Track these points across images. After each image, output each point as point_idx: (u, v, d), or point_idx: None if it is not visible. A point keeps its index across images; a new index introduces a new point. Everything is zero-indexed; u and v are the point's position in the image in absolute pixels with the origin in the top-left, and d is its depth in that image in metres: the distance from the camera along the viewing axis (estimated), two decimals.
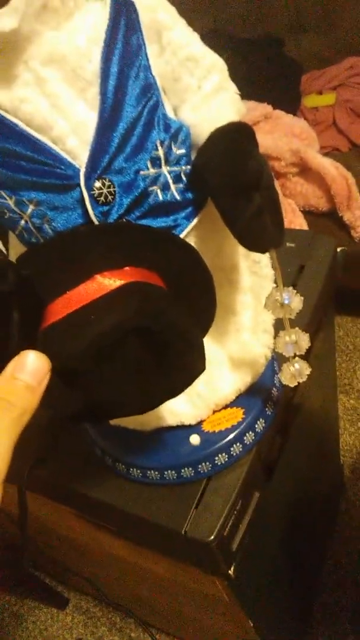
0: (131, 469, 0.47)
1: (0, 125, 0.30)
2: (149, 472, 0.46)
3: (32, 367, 0.26)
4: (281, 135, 1.11)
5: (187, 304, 0.34)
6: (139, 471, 0.47)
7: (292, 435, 0.57)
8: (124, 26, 0.31)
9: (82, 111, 0.31)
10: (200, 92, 0.35)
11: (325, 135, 1.20)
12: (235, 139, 0.33)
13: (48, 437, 0.53)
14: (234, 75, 0.39)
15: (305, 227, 1.10)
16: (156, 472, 0.46)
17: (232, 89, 0.37)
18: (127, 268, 0.32)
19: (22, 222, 0.34)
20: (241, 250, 0.42)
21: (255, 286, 0.44)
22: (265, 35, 1.33)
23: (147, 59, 0.32)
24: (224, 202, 0.33)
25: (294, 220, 1.10)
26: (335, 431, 0.96)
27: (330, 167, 1.08)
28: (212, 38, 1.27)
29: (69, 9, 0.30)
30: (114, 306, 0.30)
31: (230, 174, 0.33)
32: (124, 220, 0.33)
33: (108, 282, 0.31)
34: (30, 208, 0.33)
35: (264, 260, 0.43)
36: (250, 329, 0.44)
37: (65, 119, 0.31)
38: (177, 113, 0.36)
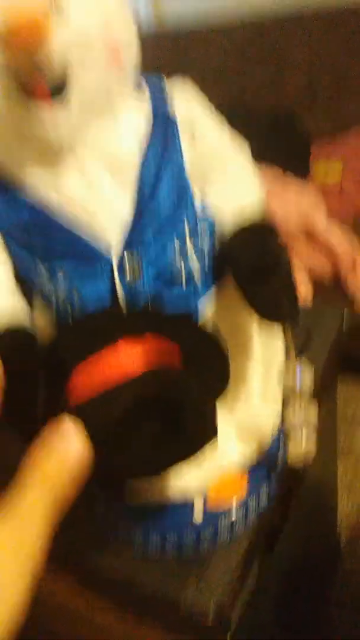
0: (132, 532, 0.46)
1: (44, 201, 0.33)
2: (150, 546, 0.46)
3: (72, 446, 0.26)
4: (290, 199, 1.15)
5: (202, 376, 0.35)
6: (139, 535, 0.46)
7: (293, 505, 0.57)
8: (162, 122, 0.34)
9: (119, 194, 0.33)
10: (225, 176, 0.38)
11: (332, 202, 1.25)
12: (259, 226, 0.36)
13: None
14: (248, 144, 0.42)
15: (309, 287, 1.13)
16: (157, 545, 0.46)
17: (254, 172, 0.39)
18: (148, 336, 0.33)
19: (51, 288, 0.35)
20: (254, 321, 0.43)
21: (266, 356, 0.45)
22: (277, 108, 1.41)
23: (181, 151, 0.35)
24: (244, 285, 0.35)
25: (298, 279, 1.12)
26: (334, 500, 0.95)
27: (336, 232, 1.11)
28: (228, 109, 1.35)
29: (116, 108, 0.33)
30: (136, 385, 0.31)
31: (253, 261, 0.35)
32: (147, 296, 0.35)
33: (131, 350, 0.32)
34: (61, 277, 0.35)
35: (276, 331, 0.45)
36: (260, 398, 0.45)
37: (104, 206, 0.33)
38: (202, 193, 0.38)
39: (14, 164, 0.33)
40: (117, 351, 0.32)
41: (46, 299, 0.36)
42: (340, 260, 1.10)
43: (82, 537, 0.49)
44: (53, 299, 0.36)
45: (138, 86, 0.35)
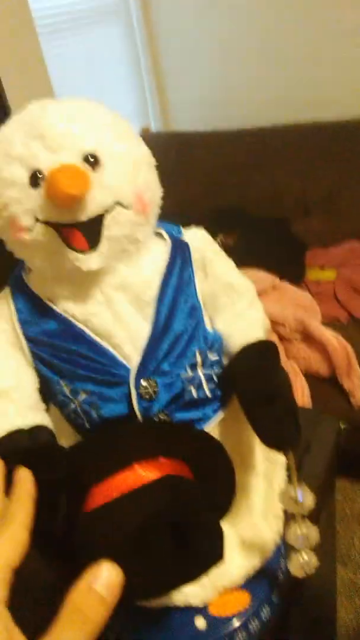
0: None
1: (73, 331, 0.37)
2: None
3: (107, 580, 0.26)
4: (287, 305, 1.21)
5: (211, 490, 0.38)
6: None
7: (293, 613, 0.56)
8: (179, 263, 0.39)
9: (138, 324, 0.38)
10: (234, 309, 0.42)
11: (326, 307, 1.31)
12: (264, 356, 0.40)
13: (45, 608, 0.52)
14: (247, 249, 0.46)
15: (306, 389, 1.16)
16: None
17: (259, 307, 0.44)
18: (161, 459, 0.36)
19: (72, 405, 0.39)
20: (258, 438, 0.46)
21: (269, 472, 0.47)
22: (274, 216, 1.51)
23: (195, 288, 0.40)
24: (251, 408, 0.38)
25: (296, 382, 1.16)
26: (332, 605, 0.92)
27: (331, 338, 1.16)
28: (229, 216, 1.45)
29: (140, 250, 0.38)
30: (149, 500, 0.33)
31: (259, 386, 0.38)
32: (160, 418, 0.38)
33: (144, 473, 0.35)
34: (83, 396, 0.38)
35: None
36: (262, 512, 0.47)
37: (125, 330, 0.37)
38: (212, 322, 0.42)
39: (47, 285, 0.38)
40: (132, 473, 0.35)
41: (65, 410, 0.39)
42: (334, 362, 1.15)
43: None
44: (72, 414, 0.39)
45: (158, 231, 0.40)
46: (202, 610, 0.46)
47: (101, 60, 1.45)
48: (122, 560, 0.33)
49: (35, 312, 0.38)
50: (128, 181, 0.35)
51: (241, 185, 1.57)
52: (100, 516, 0.33)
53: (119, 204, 0.35)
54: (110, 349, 0.37)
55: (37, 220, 0.34)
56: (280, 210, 1.51)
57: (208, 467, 0.37)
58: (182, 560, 0.35)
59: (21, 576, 0.40)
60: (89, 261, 0.34)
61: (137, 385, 0.37)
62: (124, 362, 0.37)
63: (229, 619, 0.46)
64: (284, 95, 1.55)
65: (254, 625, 0.46)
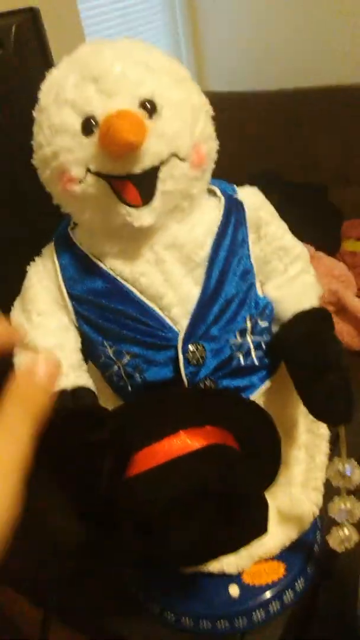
0: (165, 612, 0.46)
1: (120, 291, 0.35)
2: (183, 618, 0.46)
3: (46, 368, 0.27)
4: (322, 275, 1.17)
5: (257, 462, 0.37)
6: (172, 615, 0.46)
7: (323, 586, 0.56)
8: (233, 222, 0.37)
9: (188, 286, 0.36)
10: (286, 274, 0.40)
11: None
12: (317, 325, 0.38)
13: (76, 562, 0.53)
14: (282, 216, 0.44)
15: None
16: (190, 620, 0.45)
17: (312, 272, 0.42)
18: (207, 427, 0.35)
19: (115, 368, 0.37)
20: (302, 408, 0.45)
21: (310, 444, 0.46)
22: (312, 182, 1.46)
23: (249, 250, 0.37)
24: (301, 380, 0.37)
25: None
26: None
27: None
28: (264, 180, 1.40)
29: (193, 207, 0.36)
30: (197, 468, 0.32)
31: (310, 357, 0.37)
32: (206, 384, 0.36)
33: (191, 441, 0.34)
34: (127, 358, 0.37)
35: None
36: (301, 484, 0.46)
37: (174, 291, 0.35)
38: (263, 287, 0.40)
39: (94, 242, 0.36)
40: (178, 439, 0.34)
41: (107, 372, 0.38)
42: None
43: (109, 606, 0.49)
44: (114, 376, 0.38)
45: (211, 188, 0.38)
46: (237, 578, 0.46)
47: (137, 21, 1.40)
48: (164, 526, 0.33)
49: (81, 269, 0.36)
50: (186, 131, 0.33)
51: (278, 150, 1.51)
52: (144, 481, 0.32)
53: (175, 155, 0.33)
54: (158, 311, 0.35)
55: (88, 171, 0.32)
56: (318, 178, 1.46)
57: (255, 438, 0.36)
58: (225, 530, 0.34)
59: (50, 531, 0.40)
60: (142, 217, 0.32)
61: (185, 349, 0.35)
62: (172, 325, 0.36)
63: (262, 589, 0.45)
64: (326, 55, 1.47)
65: (288, 595, 0.46)
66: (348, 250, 1.32)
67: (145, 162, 0.31)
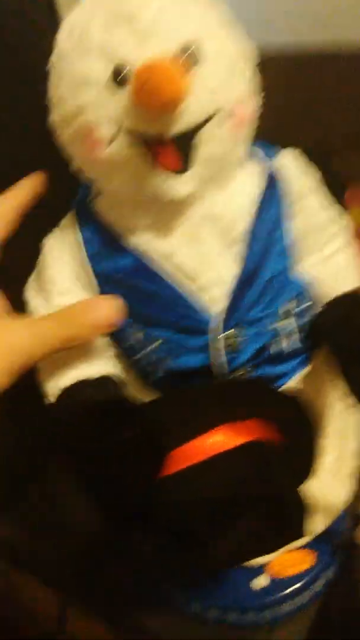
0: (191, 603, 0.44)
1: (150, 269, 0.31)
2: (209, 609, 0.44)
3: (107, 313, 0.30)
4: None
5: (295, 457, 0.34)
6: (198, 606, 0.44)
7: (343, 575, 0.55)
8: (276, 191, 0.33)
9: (226, 264, 0.32)
10: (322, 253, 0.36)
11: None
12: (356, 307, 0.34)
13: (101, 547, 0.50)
14: None
15: None
16: (217, 611, 0.43)
17: (351, 251, 0.38)
18: (248, 421, 0.32)
19: (144, 352, 0.34)
20: (335, 393, 0.42)
21: (344, 430, 0.43)
22: (315, 144, 1.40)
23: (290, 223, 0.33)
24: (345, 364, 0.34)
25: None
26: None
27: None
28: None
29: (234, 173, 0.31)
30: (236, 466, 0.29)
31: (355, 341, 0.33)
32: (245, 372, 0.33)
33: (230, 436, 0.31)
34: (157, 343, 0.33)
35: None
36: (333, 471, 0.43)
37: (211, 270, 0.31)
38: (301, 264, 0.37)
39: (122, 214, 0.32)
40: (217, 435, 0.31)
41: (132, 358, 0.35)
42: None
43: (130, 596, 0.47)
44: (141, 362, 0.35)
45: (252, 154, 0.34)
46: (265, 569, 0.44)
47: None
48: (201, 529, 0.30)
49: (107, 244, 0.32)
50: (232, 83, 0.28)
51: (277, 110, 1.44)
52: (180, 481, 0.29)
53: (218, 112, 0.28)
54: (194, 292, 0.32)
55: (119, 130, 0.27)
56: (322, 142, 1.41)
57: (293, 432, 0.33)
58: (264, 533, 0.31)
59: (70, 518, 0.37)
60: (180, 185, 0.28)
61: (222, 335, 0.32)
62: (209, 307, 0.32)
63: (292, 579, 0.43)
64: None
65: (318, 585, 0.44)
66: (352, 220, 1.28)
67: (185, 121, 0.27)
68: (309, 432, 0.35)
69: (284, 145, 0.36)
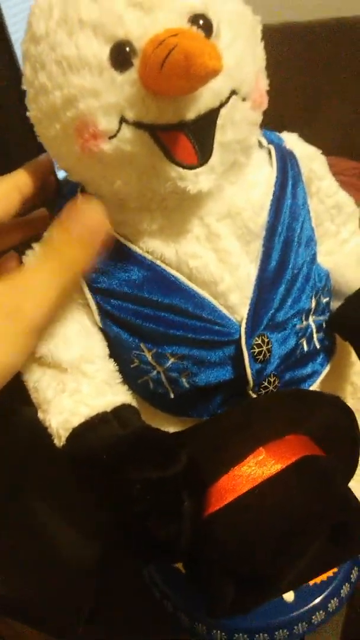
0: (214, 631, 0.41)
1: (163, 280, 0.27)
2: (236, 635, 0.41)
3: (88, 222, 0.24)
4: None
5: (340, 459, 0.31)
6: (224, 634, 0.41)
7: None
8: (291, 178, 0.29)
9: (245, 264, 0.28)
10: (338, 237, 0.34)
11: None
12: None
13: (98, 582, 0.46)
14: None
15: None
16: (245, 636, 0.40)
17: None
18: (288, 437, 0.29)
19: (154, 373, 0.30)
20: (349, 388, 0.40)
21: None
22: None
23: (309, 210, 0.30)
24: None
25: None
26: None
27: None
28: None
29: (247, 163, 0.28)
30: (291, 492, 0.26)
31: None
32: (272, 381, 0.30)
33: (275, 459, 0.27)
34: (171, 361, 0.29)
35: None
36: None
37: (231, 274, 0.28)
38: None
39: (126, 220, 0.27)
40: (260, 459, 0.27)
41: (140, 379, 0.31)
42: None
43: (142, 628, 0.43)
44: (151, 383, 0.31)
45: (259, 141, 0.30)
46: None
47: None
48: (263, 568, 0.27)
49: (107, 256, 0.27)
50: (249, 59, 0.24)
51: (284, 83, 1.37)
52: (234, 516, 0.26)
53: (235, 93, 0.24)
54: (213, 301, 0.28)
55: (123, 121, 0.23)
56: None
57: (337, 436, 0.30)
58: (329, 551, 0.28)
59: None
60: (199, 180, 0.24)
61: (250, 344, 0.28)
62: (229, 315, 0.28)
63: (318, 587, 0.41)
64: None
65: (345, 589, 0.42)
66: None
67: (201, 104, 0.23)
68: (352, 431, 0.32)
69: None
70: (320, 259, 0.34)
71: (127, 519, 0.25)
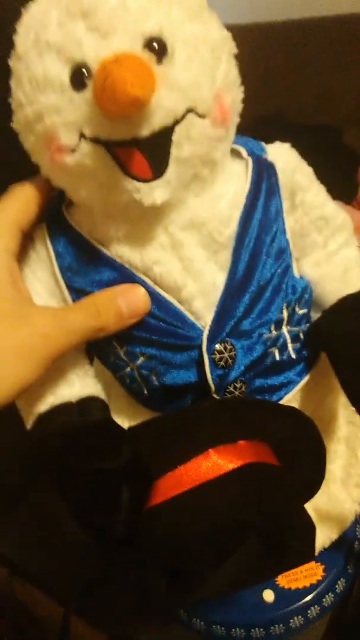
0: (194, 619, 0.43)
1: (130, 282, 0.29)
2: (214, 626, 0.42)
3: (134, 300, 0.28)
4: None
5: (300, 476, 0.31)
6: (202, 623, 0.42)
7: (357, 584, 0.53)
8: (264, 191, 0.30)
9: (211, 273, 0.29)
10: (326, 249, 0.33)
11: None
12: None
13: (102, 561, 0.49)
14: None
15: None
16: (222, 628, 0.42)
17: (355, 245, 0.35)
18: (241, 442, 0.29)
19: (128, 369, 0.32)
20: (342, 399, 0.39)
21: (351, 436, 0.41)
22: (324, 124, 1.35)
23: (284, 222, 0.31)
24: (348, 375, 0.31)
25: None
26: None
27: None
28: (269, 126, 1.29)
29: (215, 175, 0.28)
30: (231, 494, 0.27)
31: (353, 344, 0.31)
32: (236, 387, 0.31)
33: (222, 461, 0.28)
34: (141, 360, 0.31)
35: None
36: (341, 480, 0.41)
37: (195, 280, 0.29)
38: (299, 265, 0.34)
39: (95, 224, 0.29)
40: (207, 460, 0.28)
41: (118, 374, 0.33)
42: None
43: (137, 610, 0.46)
44: (127, 378, 0.32)
45: (235, 148, 0.31)
46: (271, 583, 0.42)
47: None
48: (195, 562, 0.28)
49: (82, 257, 0.29)
50: (206, 77, 0.25)
51: (284, 89, 1.39)
52: (167, 513, 0.27)
53: (192, 111, 0.25)
54: (178, 305, 0.29)
55: (82, 136, 0.25)
56: (332, 118, 1.35)
57: (297, 449, 0.31)
58: (265, 561, 0.29)
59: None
60: (153, 193, 0.25)
61: (210, 349, 0.29)
62: (194, 320, 0.29)
63: (300, 592, 0.42)
64: None
65: (328, 599, 0.42)
66: None
67: (154, 122, 0.24)
68: (314, 444, 0.32)
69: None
70: (308, 270, 0.34)
71: (71, 506, 0.27)
